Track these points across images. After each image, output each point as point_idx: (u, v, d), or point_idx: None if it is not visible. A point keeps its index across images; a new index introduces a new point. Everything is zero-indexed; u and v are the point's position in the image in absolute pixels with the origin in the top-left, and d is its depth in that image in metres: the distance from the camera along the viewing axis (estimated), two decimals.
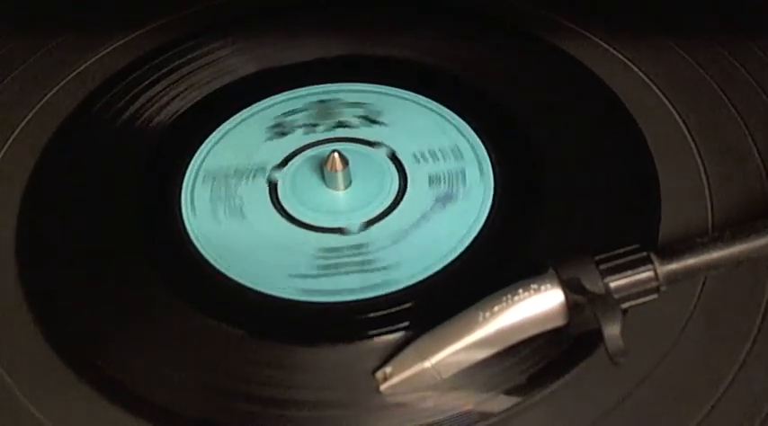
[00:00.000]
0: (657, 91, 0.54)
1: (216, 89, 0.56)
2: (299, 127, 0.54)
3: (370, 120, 0.53)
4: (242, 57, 0.58)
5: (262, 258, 0.47)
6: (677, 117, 0.53)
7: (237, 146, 0.53)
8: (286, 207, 0.49)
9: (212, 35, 0.59)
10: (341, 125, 0.53)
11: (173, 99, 0.55)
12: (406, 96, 0.55)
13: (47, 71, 0.58)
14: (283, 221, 0.49)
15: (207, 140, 0.53)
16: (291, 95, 0.56)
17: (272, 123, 0.54)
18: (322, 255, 0.47)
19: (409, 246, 0.47)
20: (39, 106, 0.56)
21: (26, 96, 0.56)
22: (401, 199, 0.49)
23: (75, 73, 0.58)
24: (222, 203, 0.50)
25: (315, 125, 0.54)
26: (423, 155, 0.51)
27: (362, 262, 0.46)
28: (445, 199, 0.48)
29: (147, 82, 0.56)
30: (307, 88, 0.56)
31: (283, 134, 0.53)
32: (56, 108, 0.56)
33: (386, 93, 0.55)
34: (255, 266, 0.46)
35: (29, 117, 0.55)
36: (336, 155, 0.49)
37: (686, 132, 0.52)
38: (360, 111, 0.54)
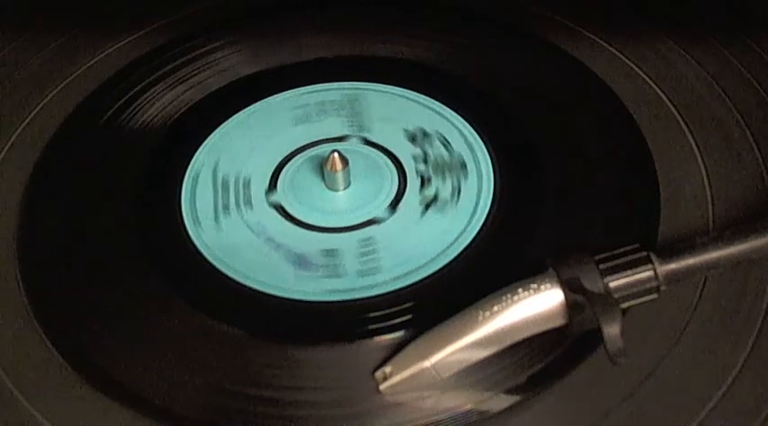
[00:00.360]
0: (657, 91, 0.54)
1: (216, 89, 0.56)
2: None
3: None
4: (242, 58, 0.58)
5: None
6: (677, 116, 0.53)
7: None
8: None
9: (212, 35, 0.59)
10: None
11: (173, 99, 0.55)
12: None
13: (47, 71, 0.58)
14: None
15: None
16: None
17: (410, 129, 0.53)
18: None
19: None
20: (39, 106, 0.56)
21: (26, 96, 0.56)
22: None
23: (75, 73, 0.58)
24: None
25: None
26: None
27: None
28: (300, 262, 0.47)
29: (147, 82, 0.56)
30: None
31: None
32: (56, 108, 0.56)
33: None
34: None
35: (29, 117, 0.55)
36: (336, 155, 0.49)
37: (686, 132, 0.52)
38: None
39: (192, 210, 0.49)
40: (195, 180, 0.51)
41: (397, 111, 0.54)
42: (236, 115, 0.54)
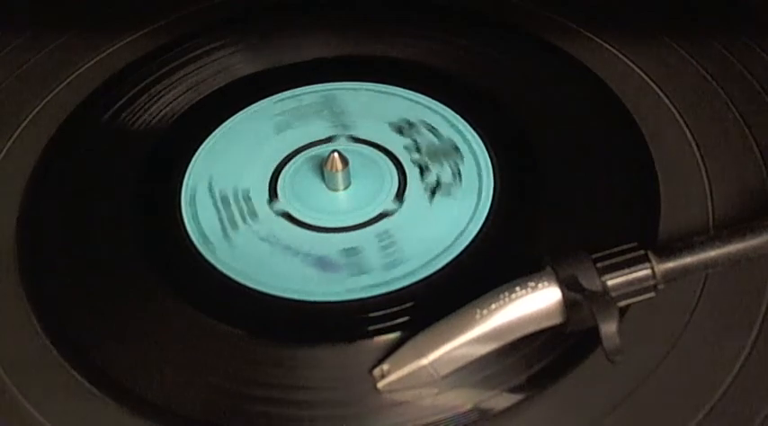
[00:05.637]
0: (657, 91, 0.54)
1: (216, 89, 0.56)
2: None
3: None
4: (242, 57, 0.58)
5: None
6: (677, 117, 0.53)
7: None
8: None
9: (212, 35, 0.59)
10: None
11: (173, 99, 0.56)
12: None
13: (47, 71, 0.58)
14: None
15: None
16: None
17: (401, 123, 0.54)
18: None
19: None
20: (39, 106, 0.56)
21: (26, 96, 0.56)
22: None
23: (75, 73, 0.58)
24: None
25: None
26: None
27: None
28: (323, 265, 0.47)
29: (147, 82, 0.57)
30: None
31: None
32: (56, 108, 0.56)
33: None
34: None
35: (29, 117, 0.55)
36: (336, 155, 0.49)
37: (686, 132, 0.52)
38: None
39: (192, 209, 0.49)
40: (196, 179, 0.51)
41: (393, 109, 0.54)
42: (235, 116, 0.55)
